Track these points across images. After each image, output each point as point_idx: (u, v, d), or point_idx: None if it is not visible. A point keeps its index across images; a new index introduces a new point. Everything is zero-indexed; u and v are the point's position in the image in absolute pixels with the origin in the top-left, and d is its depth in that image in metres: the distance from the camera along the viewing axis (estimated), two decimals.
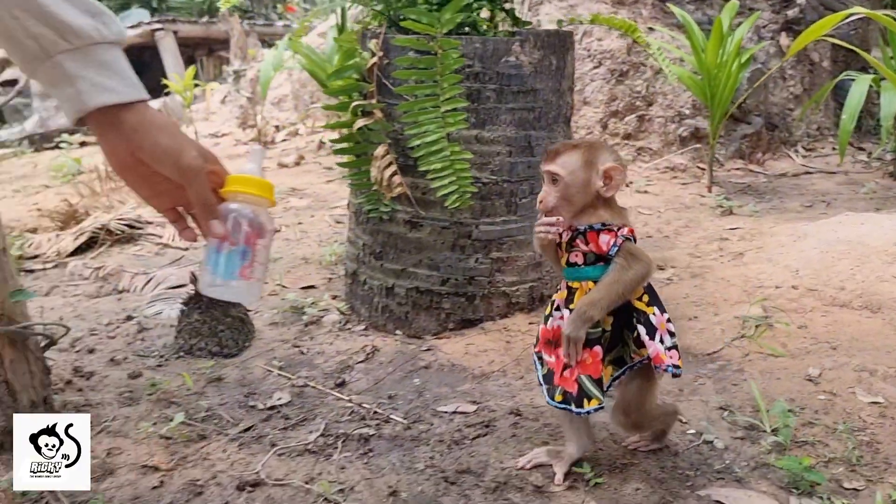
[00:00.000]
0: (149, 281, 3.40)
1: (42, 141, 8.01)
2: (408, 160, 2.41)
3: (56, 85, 0.98)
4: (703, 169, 4.48)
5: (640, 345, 1.62)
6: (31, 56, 0.95)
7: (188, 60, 11.25)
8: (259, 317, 2.89)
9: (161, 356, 2.63)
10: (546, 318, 1.71)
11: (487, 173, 2.50)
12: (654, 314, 1.62)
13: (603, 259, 1.60)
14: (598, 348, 1.59)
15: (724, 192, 4.19)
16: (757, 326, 2.49)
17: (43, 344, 2.13)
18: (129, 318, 2.99)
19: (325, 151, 6.22)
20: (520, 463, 1.81)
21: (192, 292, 2.69)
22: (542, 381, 1.71)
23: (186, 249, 3.90)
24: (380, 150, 2.46)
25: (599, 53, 4.97)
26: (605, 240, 1.57)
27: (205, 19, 9.11)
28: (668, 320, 1.66)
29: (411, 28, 2.34)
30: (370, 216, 2.64)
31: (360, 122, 2.49)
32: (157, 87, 8.11)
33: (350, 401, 2.23)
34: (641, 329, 1.60)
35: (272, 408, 2.22)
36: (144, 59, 9.53)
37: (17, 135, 8.01)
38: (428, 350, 2.53)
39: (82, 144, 7.95)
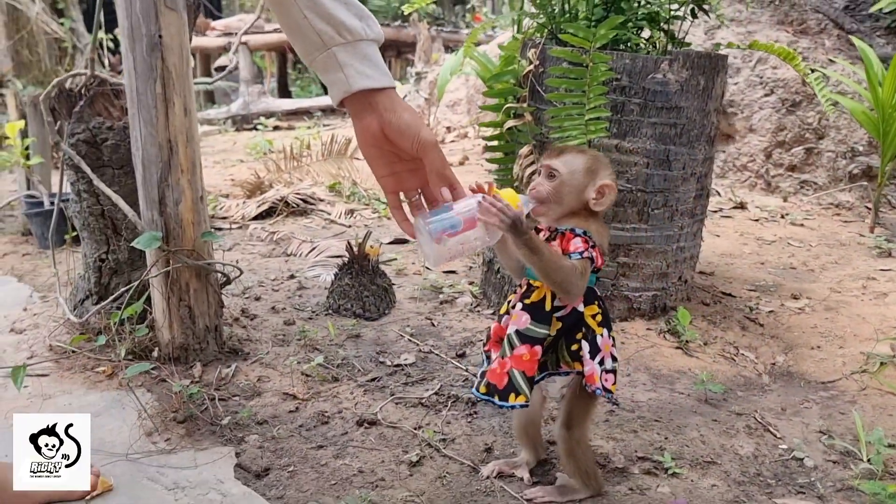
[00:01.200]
0: (313, 249, 3.83)
1: (243, 122, 8.94)
2: None
3: (329, 70, 1.20)
4: (870, 209, 4.28)
5: (576, 358, 1.62)
6: (313, 47, 1.18)
7: None
8: (401, 290, 3.20)
9: (313, 311, 3.00)
10: (500, 317, 1.71)
11: (623, 181, 2.63)
12: (601, 335, 1.63)
13: None
14: (538, 347, 1.59)
15: (888, 235, 4.00)
16: (881, 364, 2.44)
17: (221, 282, 2.54)
18: (292, 276, 3.42)
19: (489, 154, 6.52)
20: (483, 472, 1.88)
21: (347, 259, 3.04)
22: (478, 375, 1.71)
23: (349, 227, 4.32)
24: (524, 150, 2.68)
25: (773, 81, 4.88)
26: (576, 243, 1.57)
27: (397, 23, 9.74)
28: (614, 344, 1.68)
29: (568, 41, 2.54)
30: None
31: (510, 123, 2.72)
32: None
33: (466, 370, 2.46)
34: (585, 346, 1.61)
35: (398, 366, 2.50)
36: None
37: (224, 115, 9.00)
38: None
39: (275, 128, 8.80)
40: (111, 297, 2.43)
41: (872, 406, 2.24)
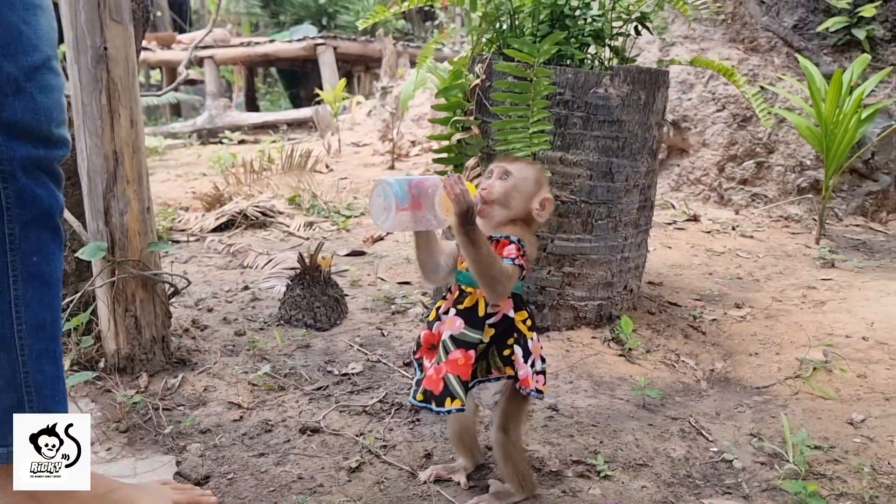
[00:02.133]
0: (270, 261, 3.85)
1: (209, 135, 8.94)
2: None
3: None
4: (816, 220, 4.41)
5: (507, 363, 1.67)
6: None
7: (347, 74, 12.11)
8: (354, 301, 3.23)
9: (265, 322, 3.02)
10: (430, 324, 1.74)
11: (567, 192, 2.70)
12: (532, 339, 1.70)
13: None
14: (471, 352, 1.63)
15: (833, 246, 4.12)
16: (814, 369, 2.52)
17: (169, 292, 2.55)
18: (246, 288, 3.43)
19: (438, 166, 6.58)
20: (421, 477, 1.91)
21: (298, 271, 3.06)
22: (413, 384, 1.76)
23: (307, 239, 4.34)
24: (471, 162, 2.74)
25: (724, 97, 5.01)
26: (510, 249, 1.61)
27: (364, 37, 9.80)
28: (542, 347, 1.74)
29: (513, 55, 2.61)
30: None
31: (457, 136, 2.78)
32: (312, 96, 8.82)
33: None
34: (518, 350, 1.66)
35: (345, 374, 2.53)
36: (306, 70, 10.40)
37: (189, 128, 8.99)
38: None
39: (241, 142, 8.81)
40: None
41: (803, 410, 2.31)
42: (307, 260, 3.05)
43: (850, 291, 3.22)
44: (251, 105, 11.83)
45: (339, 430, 2.16)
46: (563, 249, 2.75)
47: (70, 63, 2.23)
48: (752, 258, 3.94)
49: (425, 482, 1.91)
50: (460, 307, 1.68)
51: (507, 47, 2.72)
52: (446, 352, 1.66)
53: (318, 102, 8.02)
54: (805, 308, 3.10)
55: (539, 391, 1.70)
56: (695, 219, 4.71)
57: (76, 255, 2.32)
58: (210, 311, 3.14)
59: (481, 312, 1.66)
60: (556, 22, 2.81)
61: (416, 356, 1.80)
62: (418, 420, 2.23)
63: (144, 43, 9.65)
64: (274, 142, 8.11)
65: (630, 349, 2.69)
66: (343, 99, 7.67)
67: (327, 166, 6.63)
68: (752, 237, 4.35)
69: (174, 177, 6.58)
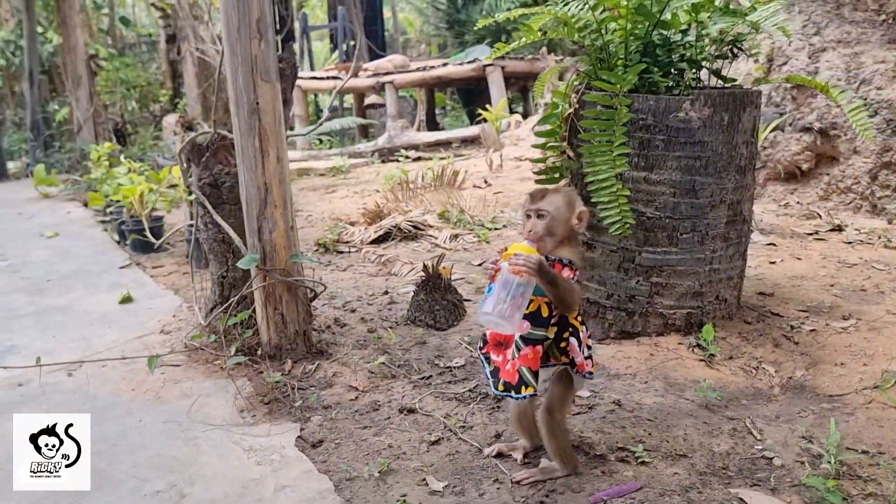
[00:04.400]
0: (413, 269, 4.37)
1: (388, 154, 9.79)
2: (588, 193, 2.95)
3: None
4: None
5: (563, 352, 2.03)
6: None
7: (522, 90, 12.60)
8: (473, 306, 3.65)
9: (395, 321, 3.53)
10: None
11: (652, 209, 2.93)
12: (583, 330, 2.05)
13: None
14: (539, 347, 2.00)
15: None
16: (895, 382, 2.56)
17: (310, 295, 3.14)
18: (386, 292, 3.98)
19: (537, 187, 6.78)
20: (485, 452, 2.29)
21: (423, 278, 3.54)
22: (489, 376, 2.11)
23: (450, 250, 4.83)
24: (563, 182, 3.06)
25: (877, 102, 4.81)
26: (566, 273, 1.99)
27: (530, 56, 10.23)
28: (590, 336, 2.09)
29: (600, 86, 2.91)
30: None
31: (552, 159, 3.12)
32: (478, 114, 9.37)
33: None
34: (573, 341, 2.02)
35: (448, 367, 2.96)
36: (481, 88, 10.98)
37: (371, 148, 9.90)
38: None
39: (418, 159, 9.55)
40: (223, 306, 3.10)
41: (867, 418, 2.39)
42: (430, 269, 3.52)
43: None
44: (431, 124, 12.69)
45: (431, 411, 2.60)
46: (650, 261, 2.98)
47: (232, 115, 2.88)
48: (886, 270, 3.84)
49: (487, 456, 2.28)
50: (526, 312, 2.01)
51: (597, 79, 3.01)
52: (518, 349, 2.04)
53: (484, 120, 8.54)
54: None
55: (590, 373, 2.08)
56: (838, 229, 4.59)
57: (237, 264, 2.96)
58: (353, 311, 3.71)
59: (545, 314, 2.03)
60: (647, 52, 3.05)
61: (483, 351, 2.17)
62: (498, 407, 2.60)
63: (335, 73, 10.69)
64: (443, 159, 8.75)
65: (711, 355, 2.86)
66: (506, 116, 8.13)
67: (486, 181, 7.10)
68: None
69: (352, 194, 7.39)
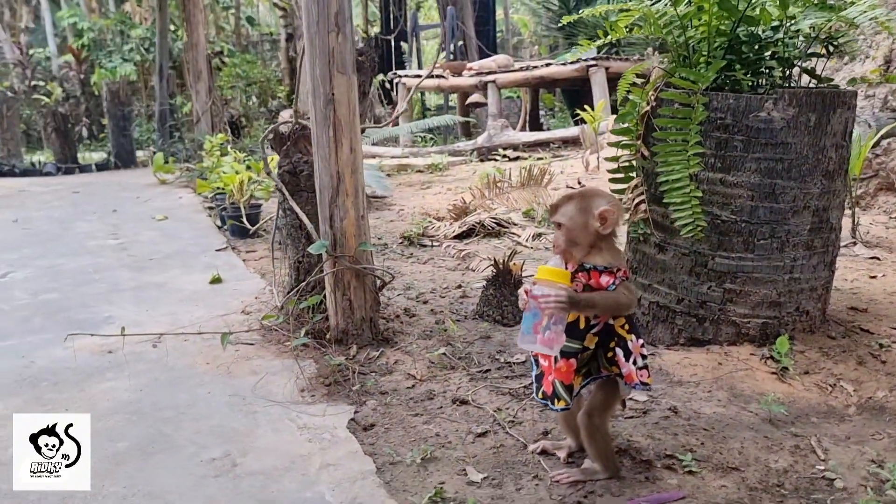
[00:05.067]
0: (489, 265, 4.38)
1: (487, 153, 9.81)
2: (661, 193, 2.87)
3: None
4: None
5: (612, 363, 1.97)
6: None
7: None
8: None
9: (464, 315, 3.55)
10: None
11: (728, 212, 2.81)
12: (631, 340, 1.96)
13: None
14: (573, 360, 1.97)
15: None
16: None
17: (378, 284, 3.21)
18: (460, 286, 4.00)
19: (613, 185, 6.54)
20: (530, 448, 2.26)
21: (494, 274, 3.54)
22: (534, 380, 2.09)
23: (531, 248, 4.80)
24: (635, 181, 2.99)
25: None
26: (605, 280, 1.92)
27: (636, 56, 9.97)
28: (643, 345, 1.98)
29: (677, 84, 2.82)
30: (631, 236, 3.16)
31: (625, 158, 3.04)
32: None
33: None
34: (619, 351, 1.95)
35: (507, 363, 2.95)
36: (586, 89, 10.81)
37: (470, 146, 9.95)
38: (651, 354, 2.95)
39: (517, 158, 9.53)
40: (294, 290, 3.22)
41: None
42: (501, 265, 3.52)
43: None
44: (535, 124, 12.61)
45: (483, 404, 2.60)
46: (723, 266, 2.86)
47: (310, 106, 2.98)
48: None
49: (532, 452, 2.27)
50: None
51: (676, 76, 2.92)
52: (555, 361, 2.02)
53: (583, 121, 8.41)
54: None
55: (644, 383, 2.00)
56: None
57: (308, 249, 3.07)
58: (425, 303, 3.76)
59: (582, 325, 1.99)
60: (731, 49, 2.93)
61: (534, 354, 2.15)
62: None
63: (439, 70, 10.81)
64: (540, 159, 8.70)
65: (784, 368, 2.72)
66: (605, 117, 7.97)
67: (579, 182, 7.00)
68: None
69: (445, 190, 7.46)
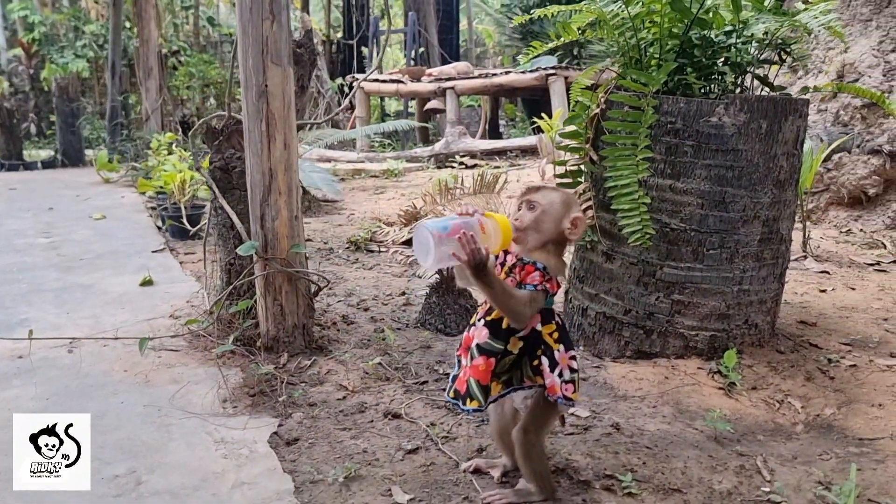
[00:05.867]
0: (436, 272, 4.22)
1: (445, 160, 9.68)
2: (609, 199, 2.75)
3: None
4: None
5: (537, 372, 1.81)
6: None
7: None
8: None
9: (405, 323, 3.39)
10: (469, 327, 1.91)
11: (677, 220, 2.71)
12: (559, 350, 1.81)
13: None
14: (492, 360, 1.81)
15: None
16: None
17: (313, 289, 3.03)
18: (404, 293, 3.84)
19: None
20: (462, 466, 2.11)
21: (437, 281, 3.39)
22: (450, 380, 1.93)
23: None
24: (582, 186, 2.87)
25: None
26: (534, 276, 1.76)
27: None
28: (572, 357, 1.82)
29: (628, 86, 2.71)
30: (579, 244, 3.04)
31: (573, 162, 2.93)
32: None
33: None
34: (545, 360, 1.79)
35: (446, 374, 2.79)
36: (546, 99, 10.77)
37: (428, 153, 9.82)
38: (597, 367, 2.83)
39: (474, 166, 9.42)
40: (224, 294, 3.02)
41: None
42: (445, 272, 3.37)
43: None
44: (494, 133, 12.53)
45: (416, 418, 2.44)
46: (672, 277, 2.75)
47: (242, 97, 2.80)
48: None
49: (464, 471, 2.11)
50: (489, 318, 1.87)
51: (626, 78, 2.81)
52: (472, 357, 1.86)
53: (541, 130, 8.33)
54: None
55: (567, 398, 1.83)
56: None
57: (236, 251, 2.88)
58: (366, 310, 3.59)
59: (505, 325, 1.84)
60: (683, 52, 2.83)
61: (458, 353, 1.99)
62: (486, 420, 2.41)
63: (399, 76, 10.67)
64: (497, 167, 8.59)
65: (732, 383, 2.61)
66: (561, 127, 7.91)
67: None
68: None
69: (399, 195, 7.31)
